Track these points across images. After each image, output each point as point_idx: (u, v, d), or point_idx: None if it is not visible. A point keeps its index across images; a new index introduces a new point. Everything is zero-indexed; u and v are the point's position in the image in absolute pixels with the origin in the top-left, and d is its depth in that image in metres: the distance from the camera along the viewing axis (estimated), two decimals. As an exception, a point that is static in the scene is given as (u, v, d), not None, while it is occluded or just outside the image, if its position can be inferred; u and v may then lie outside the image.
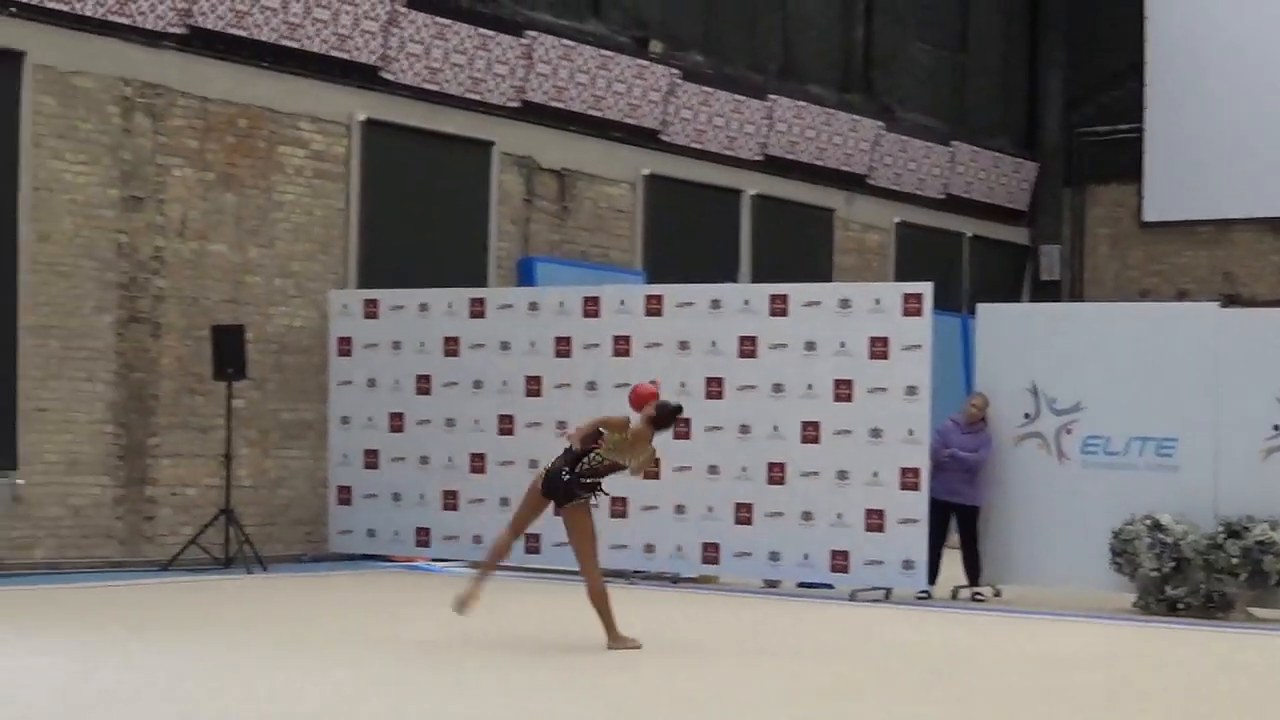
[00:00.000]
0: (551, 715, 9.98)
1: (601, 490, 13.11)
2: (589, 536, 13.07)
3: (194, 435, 18.99)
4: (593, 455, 12.96)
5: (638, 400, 13.40)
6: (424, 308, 19.49)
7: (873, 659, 12.93)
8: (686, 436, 17.94)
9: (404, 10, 20.90)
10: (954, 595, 17.62)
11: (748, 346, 17.92)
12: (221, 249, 19.38)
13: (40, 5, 17.65)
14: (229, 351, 18.60)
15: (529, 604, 16.01)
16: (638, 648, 12.77)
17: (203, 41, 19.15)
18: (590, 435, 13.05)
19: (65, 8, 17.86)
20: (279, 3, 19.59)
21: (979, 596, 17.57)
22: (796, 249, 26.26)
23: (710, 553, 18.05)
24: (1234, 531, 16.30)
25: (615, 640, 12.87)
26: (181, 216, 19.04)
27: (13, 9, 17.52)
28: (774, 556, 17.79)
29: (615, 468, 13.09)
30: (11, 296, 17.55)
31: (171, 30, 18.82)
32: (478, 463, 19.12)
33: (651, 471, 13.54)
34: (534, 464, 18.62)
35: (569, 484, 12.93)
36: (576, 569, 18.42)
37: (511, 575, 18.76)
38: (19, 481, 17.39)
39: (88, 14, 18.06)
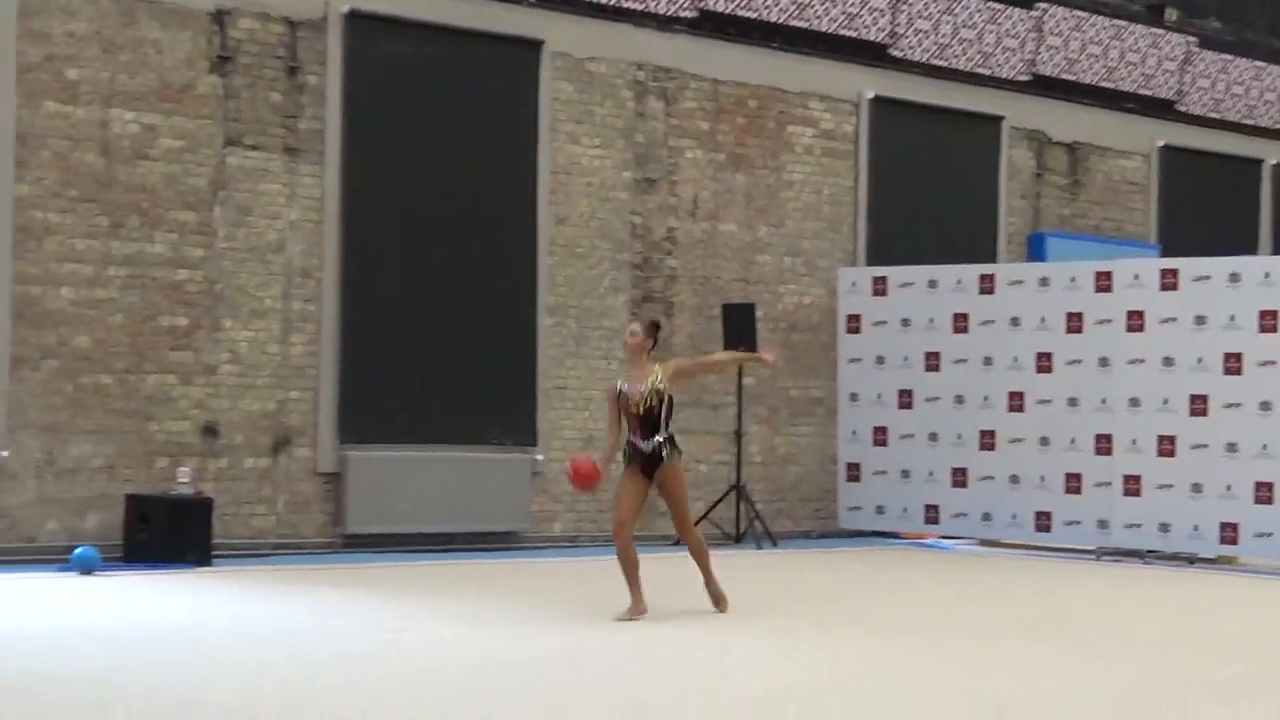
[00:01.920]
0: (1036, 694, 9.70)
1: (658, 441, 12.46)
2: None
3: (705, 412, 19.17)
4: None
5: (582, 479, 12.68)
6: (933, 284, 19.25)
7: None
8: (1204, 414, 17.33)
9: (911, -14, 20.70)
10: None
11: (1268, 321, 17.15)
12: (732, 228, 19.52)
13: (557, -6, 18.08)
14: (739, 329, 18.70)
15: (1049, 583, 15.67)
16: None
17: (713, 24, 19.31)
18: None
19: (580, -4, 18.25)
20: (787, -17, 19.63)
21: None
22: (1321, 220, 25.09)
23: (1228, 533, 17.35)
24: None
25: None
26: (693, 197, 19.24)
27: (532, 0, 17.95)
28: (1297, 537, 17.04)
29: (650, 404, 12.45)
30: (531, 278, 18.00)
31: (683, 14, 19.02)
32: (987, 440, 18.80)
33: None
34: (1044, 441, 18.33)
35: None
36: (1087, 547, 18.15)
37: (1023, 554, 18.45)
38: (538, 457, 17.83)
39: (602, 2, 18.40)
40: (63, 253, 15.38)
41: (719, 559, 17.16)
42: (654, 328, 12.71)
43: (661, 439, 12.41)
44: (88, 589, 13.38)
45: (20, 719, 8.12)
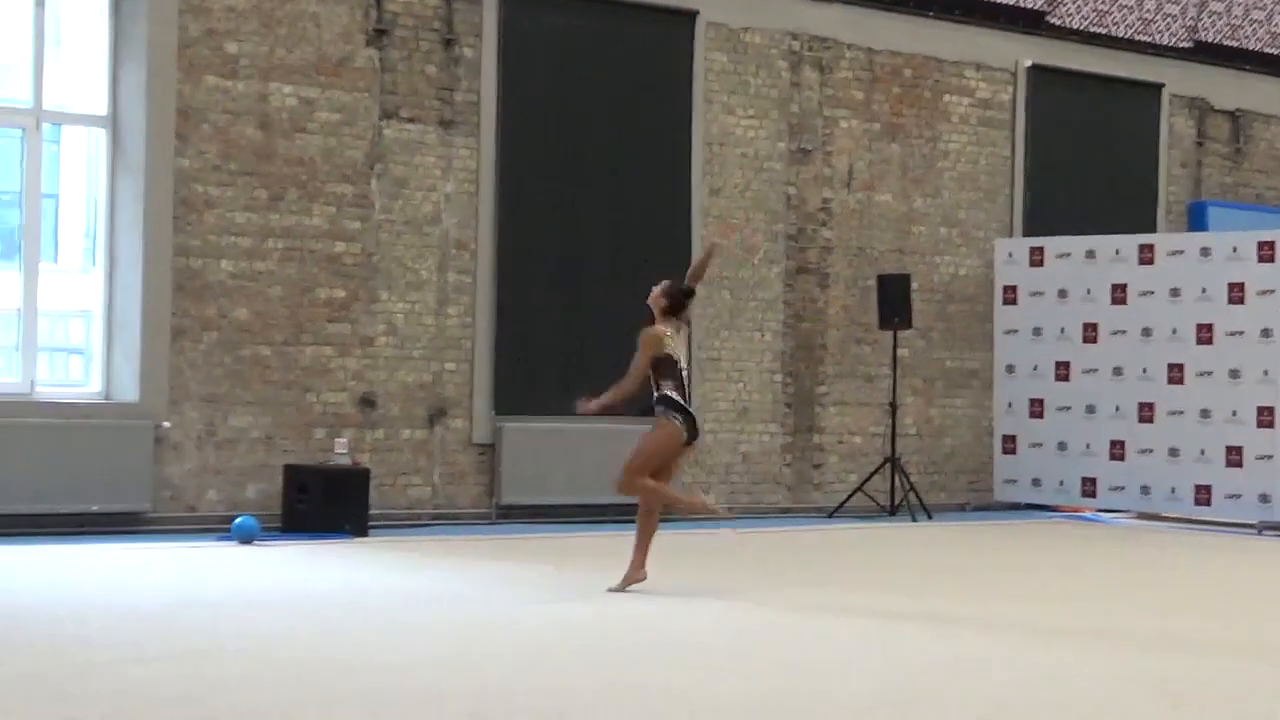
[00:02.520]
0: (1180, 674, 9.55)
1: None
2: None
3: (860, 384, 19.10)
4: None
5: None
6: (1090, 255, 19.02)
7: None
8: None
9: (1070, -47, 20.44)
10: None
11: None
12: (887, 199, 19.40)
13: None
14: (895, 301, 18.62)
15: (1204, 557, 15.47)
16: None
17: (868, -7, 19.24)
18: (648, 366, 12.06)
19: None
20: (943, -49, 19.46)
21: None
22: None
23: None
24: None
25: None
26: (848, 168, 19.13)
27: (685, -30, 17.93)
28: None
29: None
30: (685, 249, 17.95)
31: (837, -16, 18.98)
32: (1146, 412, 18.54)
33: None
34: (1205, 414, 18.05)
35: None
36: (1248, 522, 17.86)
37: (1182, 528, 18.22)
38: (694, 428, 17.80)
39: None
40: (223, 225, 15.56)
41: (873, 531, 17.16)
42: (686, 294, 12.37)
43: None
44: (247, 558, 13.56)
45: (184, 685, 8.25)
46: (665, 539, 15.93)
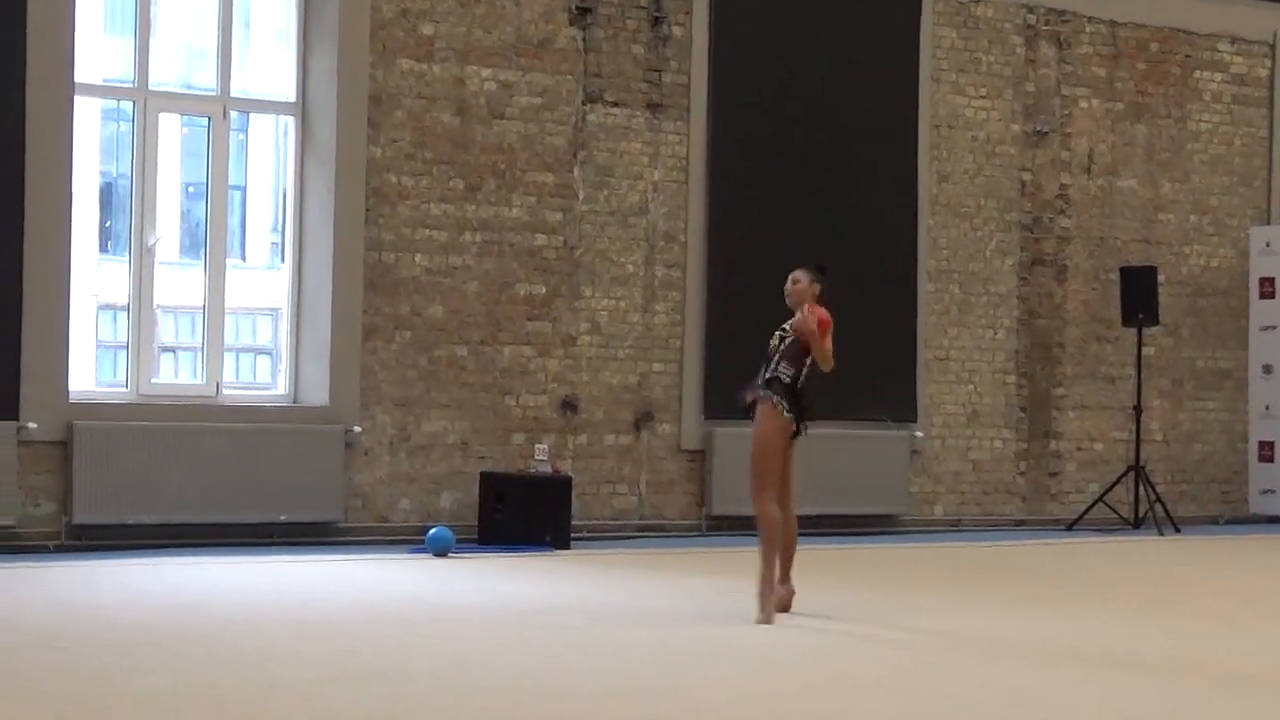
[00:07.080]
0: None
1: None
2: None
3: (1101, 385, 18.84)
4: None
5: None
6: (1356, 244, 18.67)
7: None
8: None
9: (1334, -86, 19.98)
10: None
11: None
12: (1131, 184, 19.12)
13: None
14: (1139, 295, 18.34)
15: None
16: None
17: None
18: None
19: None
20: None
21: None
22: None
23: None
24: None
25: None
26: (1088, 151, 18.88)
27: (910, -61, 17.79)
28: None
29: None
30: (911, 240, 17.84)
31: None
32: None
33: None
34: None
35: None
36: None
37: None
38: (918, 434, 17.66)
39: (988, -61, 18.17)
40: (416, 218, 15.67)
41: (1115, 545, 16.89)
42: (820, 270, 12.11)
43: (766, 377, 11.90)
44: (441, 572, 13.63)
45: (374, 708, 8.30)
46: (894, 551, 15.84)
